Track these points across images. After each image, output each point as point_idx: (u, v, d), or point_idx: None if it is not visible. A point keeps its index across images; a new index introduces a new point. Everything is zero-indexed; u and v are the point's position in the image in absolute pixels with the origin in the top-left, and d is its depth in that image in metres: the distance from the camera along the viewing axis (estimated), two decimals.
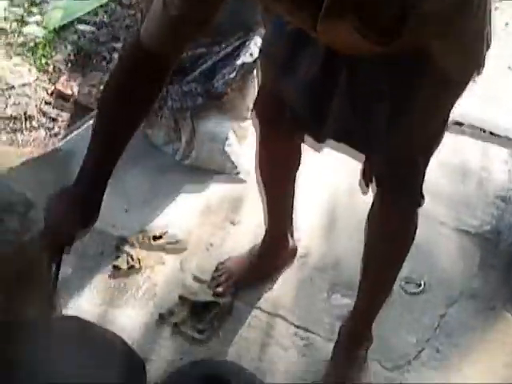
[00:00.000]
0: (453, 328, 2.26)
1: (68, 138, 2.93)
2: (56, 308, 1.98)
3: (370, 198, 1.86)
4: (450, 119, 1.70)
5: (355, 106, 1.54)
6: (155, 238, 2.48)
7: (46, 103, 3.21)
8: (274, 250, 2.35)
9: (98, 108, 1.61)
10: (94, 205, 1.57)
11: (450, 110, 1.68)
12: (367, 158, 1.76)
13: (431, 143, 1.71)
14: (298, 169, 2.15)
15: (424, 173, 1.75)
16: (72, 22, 3.52)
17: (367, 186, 1.80)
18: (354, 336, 2.07)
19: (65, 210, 1.56)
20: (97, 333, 1.80)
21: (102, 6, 3.62)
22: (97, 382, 1.72)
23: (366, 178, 1.80)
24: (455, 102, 1.66)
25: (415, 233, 1.86)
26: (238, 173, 2.76)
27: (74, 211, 1.55)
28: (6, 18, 3.55)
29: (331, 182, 2.74)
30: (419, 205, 1.79)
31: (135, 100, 1.52)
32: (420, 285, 2.39)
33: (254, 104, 2.03)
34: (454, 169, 2.84)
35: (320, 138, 1.74)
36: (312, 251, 2.49)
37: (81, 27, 3.53)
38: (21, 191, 1.85)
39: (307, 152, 2.11)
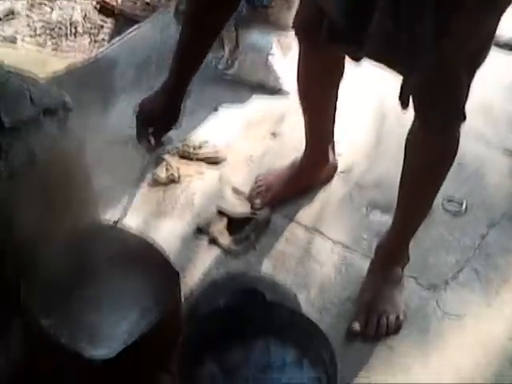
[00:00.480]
0: (493, 249, 2.22)
1: (111, 46, 2.90)
2: (94, 217, 2.00)
3: (409, 118, 1.82)
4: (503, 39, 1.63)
5: (398, 18, 1.47)
6: (195, 149, 2.47)
7: (92, 11, 3.18)
8: (314, 165, 2.33)
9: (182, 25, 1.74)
10: (175, 110, 1.79)
11: (496, 25, 1.61)
12: (405, 80, 1.70)
13: (476, 58, 1.64)
14: (339, 83, 2.10)
15: (468, 89, 1.69)
16: None
17: (405, 108, 1.75)
18: (391, 253, 2.05)
19: (151, 111, 1.81)
20: (134, 242, 1.81)
21: None
22: (132, 289, 1.74)
23: (404, 101, 1.75)
24: (502, 16, 1.59)
25: (457, 151, 1.80)
26: (280, 87, 2.72)
27: (158, 112, 1.80)
28: None
29: (379, 97, 2.67)
30: (461, 122, 1.74)
31: (209, 25, 1.66)
32: (462, 204, 2.35)
33: (294, 16, 1.98)
34: (505, 88, 2.76)
35: (357, 56, 1.68)
36: (353, 167, 2.46)
37: None
38: (61, 97, 1.83)
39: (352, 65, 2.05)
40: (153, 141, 1.85)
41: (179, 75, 1.74)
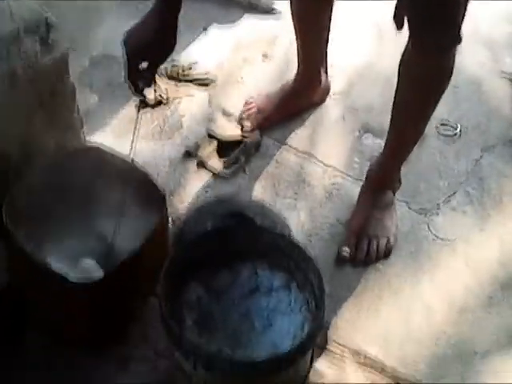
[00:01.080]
0: (486, 173, 2.20)
1: None
2: (79, 137, 1.96)
3: (402, 41, 1.76)
4: None
5: None
6: (184, 70, 2.41)
7: None
8: (307, 87, 2.27)
9: None
10: (171, 34, 1.60)
11: None
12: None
13: None
14: (332, 4, 2.04)
15: (465, 10, 1.62)
16: None
17: (399, 29, 1.69)
18: (383, 177, 2.02)
19: (144, 39, 1.60)
20: (120, 164, 1.77)
21: None
22: (117, 211, 1.71)
23: (399, 21, 1.68)
24: None
25: (451, 74, 1.75)
26: (272, 6, 2.64)
27: (152, 40, 1.60)
28: None
29: (373, 20, 2.60)
30: (457, 44, 1.68)
31: None
32: (456, 128, 2.31)
33: None
34: (502, 10, 2.68)
35: None
36: (346, 90, 2.41)
37: None
38: (43, 13, 1.76)
39: None
40: (145, 79, 1.66)
41: None
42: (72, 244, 1.71)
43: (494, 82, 2.47)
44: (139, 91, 1.68)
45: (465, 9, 1.63)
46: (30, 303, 1.72)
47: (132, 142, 1.71)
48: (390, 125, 1.91)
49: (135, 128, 1.72)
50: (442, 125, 2.30)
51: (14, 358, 1.71)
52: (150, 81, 1.68)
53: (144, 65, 1.63)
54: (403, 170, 2.04)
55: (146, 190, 1.72)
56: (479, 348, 1.80)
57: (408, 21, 1.65)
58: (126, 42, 1.62)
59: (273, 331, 1.57)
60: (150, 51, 1.61)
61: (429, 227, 2.05)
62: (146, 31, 1.60)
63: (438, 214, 2.09)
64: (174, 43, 1.62)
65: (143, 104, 1.76)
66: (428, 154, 2.23)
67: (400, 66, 1.78)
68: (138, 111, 1.74)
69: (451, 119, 2.32)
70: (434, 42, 1.66)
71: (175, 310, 1.58)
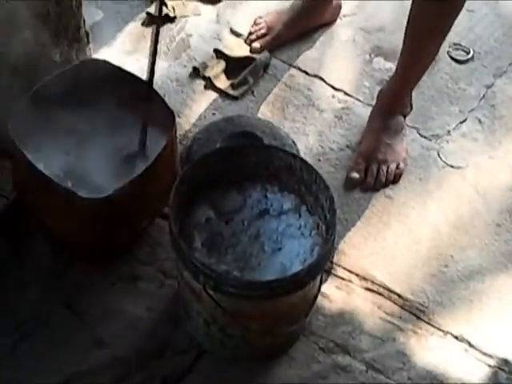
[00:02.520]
0: (498, 100, 2.16)
1: None
2: (85, 51, 1.91)
3: None
4: None
5: None
6: None
7: None
8: (317, 5, 2.21)
9: None
10: None
11: None
12: None
13: None
14: None
15: None
16: None
17: None
18: (393, 101, 1.98)
19: None
20: (126, 78, 1.73)
21: None
22: (126, 128, 1.68)
23: None
24: None
25: None
26: None
27: None
28: None
29: None
30: None
31: None
32: (469, 52, 2.26)
33: None
34: None
35: None
36: (357, 11, 2.34)
37: None
38: None
39: None
40: None
41: None
42: (81, 159, 1.68)
43: (507, 6, 2.40)
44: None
45: None
46: (38, 218, 1.70)
47: (151, 60, 1.65)
48: (403, 45, 1.86)
49: (154, 45, 1.65)
50: (455, 49, 2.25)
51: (19, 269, 1.71)
52: None
53: None
54: (414, 94, 2.01)
55: (155, 109, 1.68)
56: (487, 275, 1.80)
57: None
58: None
59: (282, 254, 1.56)
60: None
61: (439, 154, 2.03)
62: None
63: (448, 141, 2.06)
64: None
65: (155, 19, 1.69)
66: (439, 79, 2.19)
67: None
68: (158, 27, 1.66)
69: (464, 43, 2.27)
70: None
71: (184, 230, 1.56)
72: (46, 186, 1.56)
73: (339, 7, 2.27)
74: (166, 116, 1.67)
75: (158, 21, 1.66)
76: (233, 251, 1.56)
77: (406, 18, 1.80)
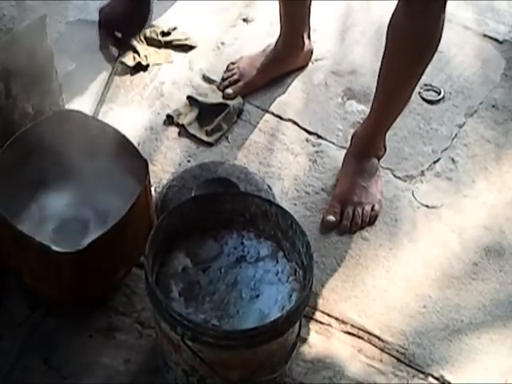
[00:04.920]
0: (470, 139, 2.18)
1: None
2: (58, 102, 1.91)
3: (386, 3, 1.73)
4: None
5: None
6: (164, 34, 2.35)
7: None
8: (289, 51, 2.24)
9: None
10: (145, 4, 1.64)
11: None
12: None
13: None
14: None
15: None
16: None
17: None
18: (367, 143, 1.99)
19: (117, 9, 1.64)
20: (99, 128, 1.72)
21: None
22: (99, 178, 1.68)
23: None
24: None
25: (441, 36, 1.72)
26: None
27: (124, 11, 1.64)
28: None
29: None
30: (445, 6, 1.66)
31: None
32: (440, 93, 2.28)
33: None
34: None
35: None
36: (328, 55, 2.37)
37: None
38: None
39: None
40: (116, 49, 1.73)
41: None
42: (55, 211, 1.67)
43: (477, 46, 2.44)
44: (113, 59, 1.74)
45: None
46: (13, 272, 1.68)
47: (99, 101, 1.77)
48: (377, 90, 1.88)
49: (111, 74, 1.79)
50: (426, 90, 2.28)
51: None
52: (125, 50, 1.76)
53: (119, 34, 1.67)
54: (387, 136, 2.02)
55: (128, 158, 1.68)
56: (465, 314, 1.80)
57: None
58: (101, 12, 1.66)
59: (260, 301, 1.55)
60: (122, 26, 1.65)
61: (413, 194, 2.04)
62: (119, 5, 1.63)
63: (422, 181, 2.07)
64: (146, 20, 1.66)
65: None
66: (411, 120, 2.21)
67: (388, 29, 1.75)
68: (116, 60, 1.78)
69: (434, 83, 2.30)
70: (424, 5, 1.63)
71: (161, 280, 1.55)
72: (20, 241, 1.55)
73: (311, 52, 2.30)
74: (139, 165, 1.66)
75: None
76: (210, 300, 1.55)
77: (377, 60, 1.83)
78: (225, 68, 2.27)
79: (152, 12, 1.67)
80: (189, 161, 2.06)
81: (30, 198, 1.68)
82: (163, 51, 2.33)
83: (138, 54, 2.26)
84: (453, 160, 2.12)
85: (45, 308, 1.72)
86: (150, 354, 1.67)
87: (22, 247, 1.56)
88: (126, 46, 1.75)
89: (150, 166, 1.70)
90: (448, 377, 1.70)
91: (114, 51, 1.73)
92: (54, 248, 1.53)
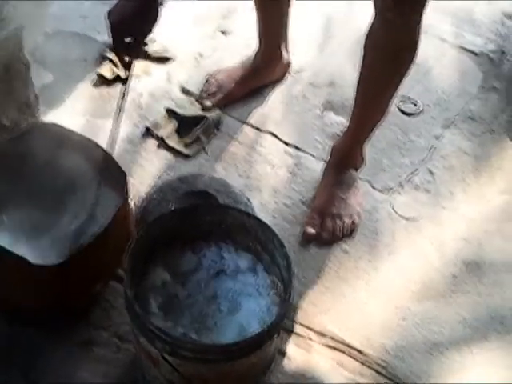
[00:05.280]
0: (448, 150, 2.19)
1: None
2: (35, 115, 1.90)
3: (364, 15, 1.73)
4: None
5: None
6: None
7: None
8: (267, 63, 2.24)
9: None
10: (155, 4, 1.61)
11: None
12: None
13: None
14: None
15: None
16: None
17: None
18: (346, 155, 2.00)
19: (126, 13, 1.60)
20: (77, 141, 1.71)
21: None
22: (77, 191, 1.66)
23: None
24: None
25: (418, 47, 1.73)
26: None
27: (134, 14, 1.59)
28: None
29: None
30: (422, 16, 1.66)
31: None
32: (417, 105, 2.29)
33: None
34: None
35: None
36: (306, 67, 2.37)
37: None
38: None
39: None
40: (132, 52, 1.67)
41: None
42: (33, 224, 1.65)
43: (454, 58, 2.46)
44: (127, 65, 1.69)
45: None
46: None
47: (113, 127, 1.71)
48: (355, 103, 1.88)
49: (129, 78, 1.72)
50: (403, 101, 2.29)
51: None
52: (137, 54, 1.70)
53: (129, 39, 1.63)
54: (365, 147, 2.02)
55: (107, 171, 1.67)
56: (445, 327, 1.80)
57: None
58: (110, 15, 1.61)
59: (240, 314, 1.54)
60: (134, 25, 1.61)
61: (392, 206, 2.04)
62: (128, 5, 1.59)
63: (400, 193, 2.07)
64: (157, 16, 1.62)
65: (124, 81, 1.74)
66: (389, 132, 2.22)
67: (366, 40, 1.75)
68: (130, 65, 1.71)
69: (412, 95, 2.31)
70: (400, 17, 1.64)
71: (140, 294, 1.54)
72: None
73: (289, 64, 2.30)
74: (118, 177, 1.65)
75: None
76: (189, 313, 1.54)
77: (355, 72, 1.83)
78: (203, 80, 2.27)
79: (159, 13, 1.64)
80: (168, 173, 2.05)
81: (5, 211, 1.66)
82: (141, 63, 2.32)
83: (116, 66, 2.24)
84: (431, 172, 2.13)
85: (22, 322, 1.69)
86: (129, 368, 1.66)
87: None
88: (138, 51, 1.69)
89: (129, 179, 1.68)
90: None
91: (128, 56, 1.68)
92: (32, 261, 1.51)
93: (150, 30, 1.64)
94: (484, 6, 2.62)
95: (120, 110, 1.71)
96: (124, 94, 1.72)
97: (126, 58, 1.69)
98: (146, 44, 1.70)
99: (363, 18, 1.75)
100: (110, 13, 1.62)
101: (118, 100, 1.71)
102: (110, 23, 1.62)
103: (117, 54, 1.70)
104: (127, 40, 1.64)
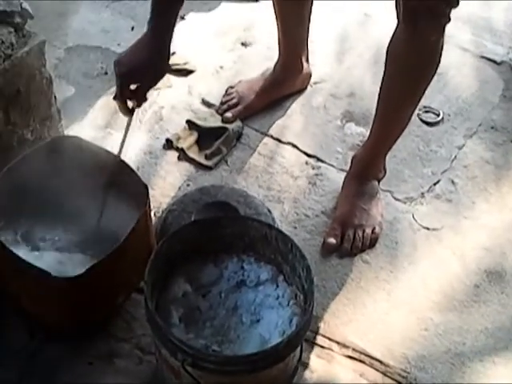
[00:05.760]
0: (470, 160, 2.18)
1: None
2: (57, 128, 1.92)
3: (383, 26, 1.73)
4: None
5: None
6: None
7: None
8: (288, 74, 2.24)
9: None
10: (165, 54, 1.63)
11: None
12: None
13: None
14: None
15: None
16: None
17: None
18: (367, 166, 1.99)
19: (135, 62, 1.61)
20: (98, 154, 1.72)
21: None
22: (97, 203, 1.67)
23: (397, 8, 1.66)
24: None
25: (440, 57, 1.73)
26: None
27: (143, 63, 1.61)
28: None
29: (346, 10, 2.60)
30: (445, 27, 1.66)
31: None
32: (439, 114, 2.29)
33: None
34: None
35: None
36: (326, 78, 2.38)
37: None
38: (18, 2, 1.72)
39: None
40: (136, 99, 1.68)
41: (166, 9, 1.57)
42: (55, 237, 1.67)
43: (475, 67, 2.45)
44: (130, 111, 1.70)
45: None
46: (12, 299, 1.67)
47: (122, 142, 1.71)
48: (376, 112, 1.88)
49: (127, 128, 1.72)
50: (425, 111, 2.29)
51: None
52: (141, 102, 1.70)
53: (134, 86, 1.64)
54: (386, 158, 2.02)
55: (128, 183, 1.68)
56: (467, 337, 1.79)
57: (407, 9, 1.62)
58: (119, 63, 1.63)
59: (261, 326, 1.54)
60: (142, 74, 1.62)
61: (413, 216, 2.03)
62: (138, 54, 1.61)
63: (422, 203, 2.07)
64: (166, 67, 1.65)
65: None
66: (410, 142, 2.21)
67: (387, 52, 1.75)
68: (132, 113, 1.72)
69: (433, 105, 2.31)
70: (424, 29, 1.64)
71: (161, 305, 1.55)
72: (19, 267, 1.54)
73: (309, 75, 2.30)
74: (139, 190, 1.66)
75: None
76: (211, 325, 1.54)
77: (375, 82, 1.83)
78: (224, 92, 2.28)
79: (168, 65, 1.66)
80: (188, 185, 2.06)
81: (29, 224, 1.68)
82: None
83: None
84: (452, 182, 2.12)
85: (44, 334, 1.70)
86: (151, 380, 1.66)
87: (21, 273, 1.55)
88: (143, 99, 1.69)
89: (150, 191, 1.69)
90: None
91: (132, 102, 1.70)
92: (53, 274, 1.52)
93: (156, 80, 1.67)
94: (503, 14, 2.61)
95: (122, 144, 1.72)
96: (126, 131, 1.73)
97: (130, 104, 1.69)
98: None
99: (381, 29, 1.75)
100: (118, 62, 1.63)
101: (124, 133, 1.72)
102: (117, 72, 1.62)
103: (119, 101, 1.68)
104: (133, 87, 1.65)
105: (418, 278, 1.90)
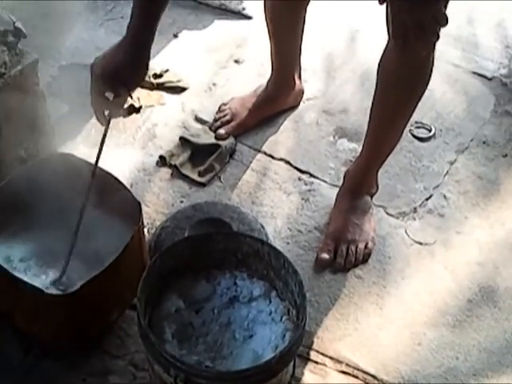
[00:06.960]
0: (462, 175, 2.19)
1: None
2: (51, 146, 1.93)
3: (374, 42, 1.75)
4: None
5: None
6: (156, 76, 2.37)
7: None
8: (280, 91, 2.26)
9: None
10: (145, 58, 1.56)
11: None
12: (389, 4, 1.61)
13: None
14: (307, 6, 2.03)
15: (445, 15, 1.61)
16: None
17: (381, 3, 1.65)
18: (360, 181, 2.00)
19: (113, 67, 1.55)
20: (91, 171, 1.72)
21: None
22: (91, 220, 1.68)
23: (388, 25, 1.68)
24: None
25: (430, 77, 1.75)
26: (243, 8, 2.63)
27: (125, 70, 1.55)
28: None
29: (345, 23, 2.63)
30: (435, 43, 1.67)
31: None
32: (430, 130, 2.30)
33: None
34: (471, 10, 2.69)
35: None
36: (319, 94, 2.39)
37: None
38: (11, 21, 1.73)
39: None
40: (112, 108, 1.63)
41: (147, 12, 1.52)
42: (48, 254, 1.67)
43: (466, 83, 2.47)
44: (105, 120, 1.65)
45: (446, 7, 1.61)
46: (6, 315, 1.67)
47: (99, 152, 1.68)
48: (368, 128, 1.90)
49: (103, 138, 1.67)
50: (417, 127, 2.30)
51: None
52: (118, 111, 1.66)
53: (109, 95, 1.59)
54: (379, 173, 2.03)
55: (120, 200, 1.69)
56: (460, 352, 1.79)
57: (396, 25, 1.62)
58: (95, 66, 1.58)
59: (254, 341, 1.55)
60: (119, 78, 1.56)
61: (406, 231, 2.04)
62: (116, 57, 1.55)
63: (414, 218, 2.08)
64: (145, 73, 1.59)
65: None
66: (402, 157, 2.22)
67: (379, 67, 1.77)
68: (108, 122, 1.67)
69: (425, 121, 2.32)
70: (414, 46, 1.65)
71: (154, 322, 1.55)
72: (12, 284, 1.55)
73: (302, 92, 2.32)
74: (132, 207, 1.67)
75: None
76: (204, 341, 1.55)
77: (367, 98, 1.85)
78: (217, 109, 2.29)
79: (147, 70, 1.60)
80: (182, 201, 2.07)
81: (20, 241, 1.68)
82: (155, 93, 2.35)
83: (131, 97, 2.26)
84: (445, 196, 2.13)
85: (39, 351, 1.71)
86: None
87: (14, 290, 1.56)
88: (118, 110, 1.65)
89: (143, 208, 1.70)
90: None
91: (106, 114, 1.64)
92: (47, 290, 1.53)
93: (135, 87, 1.63)
94: (494, 30, 2.64)
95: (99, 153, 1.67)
96: (102, 141, 1.67)
97: (106, 113, 1.64)
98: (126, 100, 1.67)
99: (373, 45, 1.76)
100: (94, 65, 1.58)
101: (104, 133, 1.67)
102: (93, 75, 1.57)
103: (94, 107, 1.63)
104: (108, 95, 1.59)
105: (411, 292, 1.91)
